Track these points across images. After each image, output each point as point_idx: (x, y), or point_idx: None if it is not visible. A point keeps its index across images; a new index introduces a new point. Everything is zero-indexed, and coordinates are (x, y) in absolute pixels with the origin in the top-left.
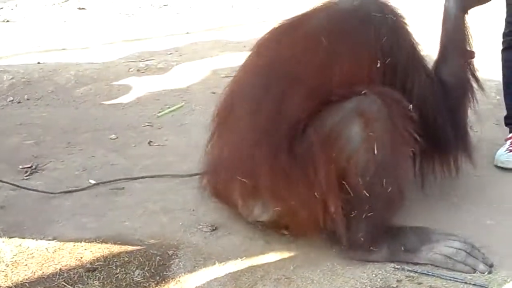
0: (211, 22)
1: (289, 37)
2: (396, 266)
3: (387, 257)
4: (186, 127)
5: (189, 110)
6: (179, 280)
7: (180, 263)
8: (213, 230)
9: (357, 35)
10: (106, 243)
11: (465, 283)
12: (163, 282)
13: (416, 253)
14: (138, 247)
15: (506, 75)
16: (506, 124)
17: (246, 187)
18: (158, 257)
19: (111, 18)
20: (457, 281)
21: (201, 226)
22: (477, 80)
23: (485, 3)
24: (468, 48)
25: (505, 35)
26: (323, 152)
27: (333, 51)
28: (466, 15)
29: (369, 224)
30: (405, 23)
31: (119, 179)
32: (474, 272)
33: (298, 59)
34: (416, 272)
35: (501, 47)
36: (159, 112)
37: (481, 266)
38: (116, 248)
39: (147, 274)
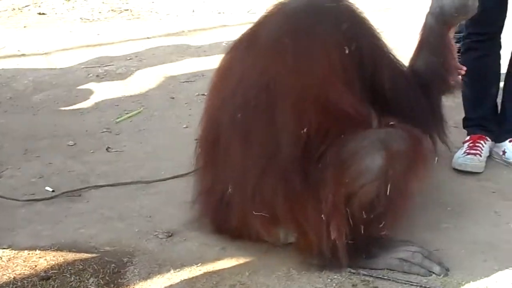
0: (172, 27)
1: (255, 48)
2: (352, 271)
3: (347, 264)
4: (144, 133)
5: (147, 115)
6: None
7: (135, 270)
8: (169, 236)
9: (318, 30)
10: (61, 251)
11: (420, 286)
12: None
13: (373, 259)
14: (93, 255)
15: (465, 77)
16: (464, 127)
17: (264, 218)
18: (113, 265)
19: (71, 23)
20: (412, 284)
21: (157, 233)
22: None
23: (467, 18)
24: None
25: (465, 37)
26: (337, 175)
27: (304, 53)
28: (449, 32)
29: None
30: (361, 11)
31: (84, 188)
32: (430, 275)
33: (275, 71)
34: (371, 276)
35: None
36: (118, 118)
37: (437, 268)
38: (71, 256)
39: (102, 282)
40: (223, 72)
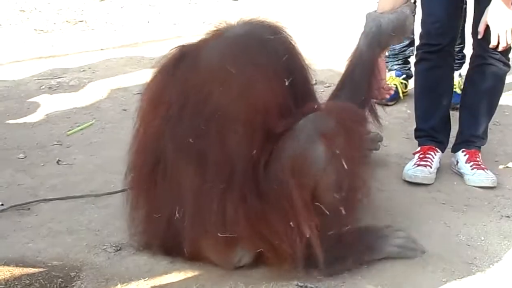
0: (126, 38)
1: (195, 72)
2: (299, 283)
3: (358, 259)
4: (95, 145)
5: (99, 128)
6: None
7: (82, 285)
8: (118, 250)
9: (261, 59)
10: (8, 265)
11: None
12: None
13: (375, 250)
14: (41, 269)
15: (417, 87)
16: (416, 137)
17: (218, 239)
18: (60, 279)
19: (25, 35)
20: None
21: (105, 247)
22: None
23: (400, 42)
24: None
25: (418, 48)
26: (292, 179)
27: (246, 81)
28: (378, 52)
29: (347, 237)
30: (296, 44)
31: (33, 201)
32: (421, 255)
33: (221, 98)
34: None
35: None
36: (69, 130)
37: (421, 249)
38: (18, 271)
39: None
40: (156, 97)
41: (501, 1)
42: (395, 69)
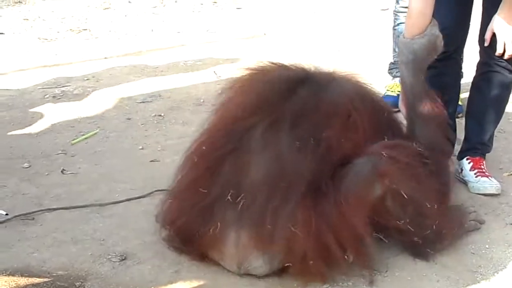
0: (130, 47)
1: (316, 99)
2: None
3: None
4: (99, 154)
5: (103, 137)
6: None
7: None
8: (122, 259)
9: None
10: (13, 275)
11: None
12: None
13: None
14: (46, 279)
15: None
16: None
17: (254, 238)
18: None
19: (29, 43)
20: None
21: (110, 256)
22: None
23: (434, 57)
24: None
25: None
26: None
27: (353, 119)
28: (422, 77)
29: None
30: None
31: (38, 211)
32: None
33: (326, 123)
34: None
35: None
36: (73, 139)
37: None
38: (23, 281)
39: None
40: (250, 105)
41: (509, 9)
42: (399, 76)
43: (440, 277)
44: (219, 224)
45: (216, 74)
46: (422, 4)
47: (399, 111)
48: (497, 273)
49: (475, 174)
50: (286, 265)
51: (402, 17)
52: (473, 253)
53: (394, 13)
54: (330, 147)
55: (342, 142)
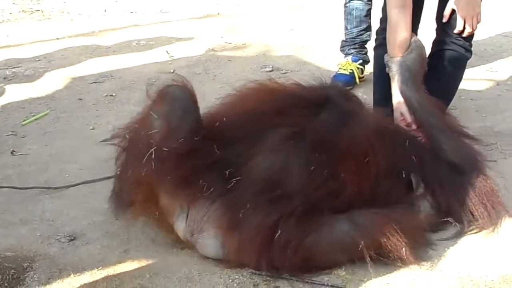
0: (83, 27)
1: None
2: (254, 271)
3: None
4: (50, 135)
5: (54, 117)
6: None
7: (34, 276)
8: (71, 240)
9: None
10: None
11: (323, 284)
12: None
13: None
14: None
15: (376, 71)
16: None
17: (223, 219)
18: (12, 270)
19: None
20: (314, 283)
21: (59, 237)
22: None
23: (425, 68)
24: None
25: (378, 33)
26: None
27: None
28: (423, 90)
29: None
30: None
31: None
32: None
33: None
34: (273, 276)
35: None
36: (24, 120)
37: None
38: None
39: None
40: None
41: None
42: (351, 54)
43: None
44: (204, 185)
45: (168, 53)
46: (404, 17)
47: (351, 89)
48: (448, 248)
49: None
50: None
51: None
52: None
53: None
54: (341, 186)
55: (352, 187)
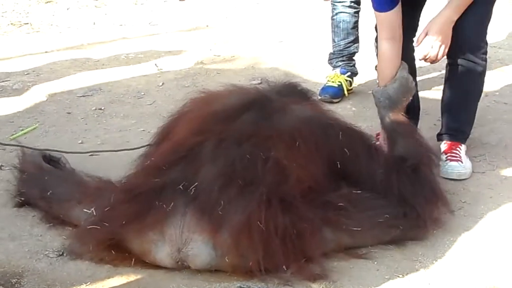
0: (71, 40)
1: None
2: (242, 285)
3: None
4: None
5: (42, 131)
6: None
7: None
8: (60, 255)
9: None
10: None
11: None
12: None
13: None
14: None
15: None
16: None
17: (201, 222)
18: (1, 286)
19: None
20: None
21: (47, 252)
22: None
23: (410, 98)
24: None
25: (375, 40)
26: None
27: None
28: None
29: None
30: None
31: None
32: None
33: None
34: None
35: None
36: (12, 135)
37: None
38: None
39: None
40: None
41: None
42: (339, 66)
43: (380, 265)
44: (164, 206)
45: (157, 66)
46: (392, 49)
47: (340, 101)
48: (436, 261)
49: (445, 157)
50: (225, 259)
51: (340, 7)
52: (415, 241)
53: (332, 3)
54: (279, 164)
55: (290, 163)
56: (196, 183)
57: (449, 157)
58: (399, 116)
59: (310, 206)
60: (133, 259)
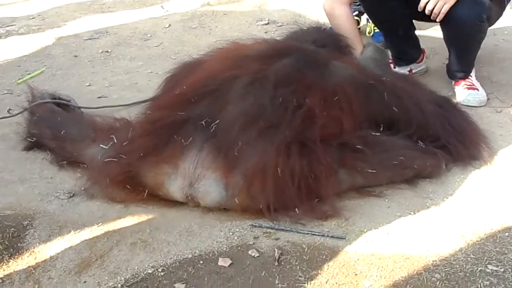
0: None
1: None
2: (254, 224)
3: None
4: None
5: (49, 75)
6: (33, 251)
7: (35, 233)
8: (71, 197)
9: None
10: None
11: (323, 235)
12: (17, 254)
13: None
14: None
15: None
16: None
17: (216, 160)
18: (12, 229)
19: None
20: (314, 234)
21: (58, 194)
22: None
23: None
24: None
25: None
26: None
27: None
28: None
29: None
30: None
31: None
32: None
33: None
34: (273, 228)
35: None
36: (19, 79)
37: None
38: None
39: (1, 247)
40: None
41: None
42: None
43: (391, 203)
44: (182, 140)
45: (163, 8)
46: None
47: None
48: (447, 198)
49: (462, 86)
50: (235, 200)
51: None
52: (426, 179)
53: None
54: (311, 112)
55: (324, 114)
56: (218, 120)
57: (466, 86)
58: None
59: (328, 149)
60: (146, 193)
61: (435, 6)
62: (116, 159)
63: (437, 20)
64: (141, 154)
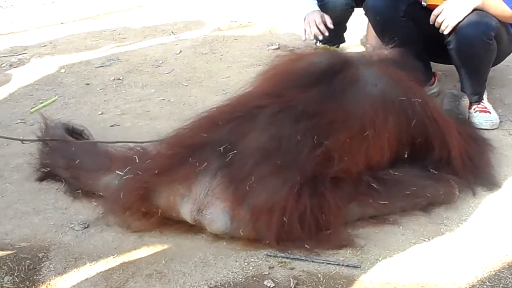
0: (86, 11)
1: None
2: (269, 253)
3: None
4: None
5: (62, 103)
6: (49, 284)
7: (50, 266)
8: (85, 228)
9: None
10: None
11: (338, 264)
12: (33, 286)
13: None
14: (8, 252)
15: None
16: None
17: (227, 191)
18: (28, 261)
19: None
20: (329, 263)
21: (72, 225)
22: None
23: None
24: None
25: None
26: None
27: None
28: None
29: None
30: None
31: None
32: None
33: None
34: (288, 257)
35: None
36: (32, 108)
37: None
38: None
39: (17, 280)
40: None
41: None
42: None
43: (405, 230)
44: (197, 164)
45: (174, 34)
46: None
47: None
48: (462, 224)
49: (474, 110)
50: (240, 232)
51: None
52: (440, 205)
53: None
54: (327, 154)
55: (340, 155)
56: (235, 150)
57: (478, 109)
58: None
59: (340, 186)
60: (159, 215)
61: (444, 19)
62: (133, 176)
63: (445, 32)
64: (156, 172)
